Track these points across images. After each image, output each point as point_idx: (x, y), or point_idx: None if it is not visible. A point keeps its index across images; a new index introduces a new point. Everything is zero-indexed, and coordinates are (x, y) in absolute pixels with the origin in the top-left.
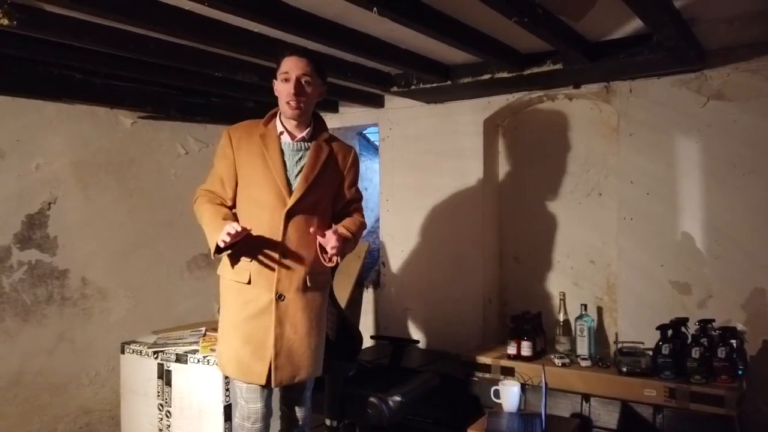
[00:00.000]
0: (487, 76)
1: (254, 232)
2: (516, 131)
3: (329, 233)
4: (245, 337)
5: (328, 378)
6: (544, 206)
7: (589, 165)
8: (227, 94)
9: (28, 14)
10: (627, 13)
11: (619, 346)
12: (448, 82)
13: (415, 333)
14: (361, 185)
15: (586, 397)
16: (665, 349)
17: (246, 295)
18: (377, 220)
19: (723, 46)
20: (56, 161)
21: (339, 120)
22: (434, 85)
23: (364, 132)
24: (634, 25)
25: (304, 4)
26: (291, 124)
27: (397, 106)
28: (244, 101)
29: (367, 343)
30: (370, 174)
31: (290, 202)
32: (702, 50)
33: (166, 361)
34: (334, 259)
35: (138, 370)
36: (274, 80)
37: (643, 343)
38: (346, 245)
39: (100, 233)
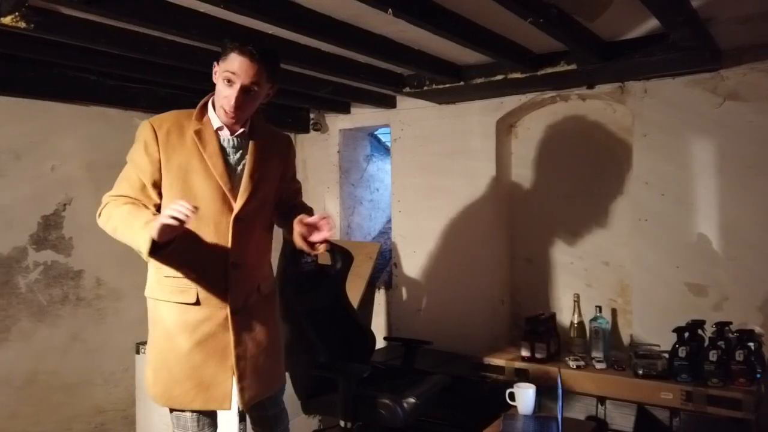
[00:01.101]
0: (499, 77)
1: (196, 243)
2: (528, 132)
3: (315, 219)
4: (195, 364)
5: (342, 379)
6: (556, 207)
7: (602, 166)
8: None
9: (44, 17)
10: (642, 13)
11: (635, 348)
12: (461, 83)
13: (427, 334)
14: (372, 186)
15: (602, 400)
16: (682, 352)
17: (194, 317)
18: (388, 221)
19: (739, 46)
20: (71, 162)
21: (350, 121)
22: (446, 85)
23: (375, 133)
24: (650, 24)
25: (318, 5)
26: (228, 121)
27: (408, 106)
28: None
29: (380, 344)
30: (381, 175)
31: (237, 206)
32: (718, 50)
33: None
34: (321, 247)
35: None
36: (216, 64)
37: (658, 346)
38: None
39: None
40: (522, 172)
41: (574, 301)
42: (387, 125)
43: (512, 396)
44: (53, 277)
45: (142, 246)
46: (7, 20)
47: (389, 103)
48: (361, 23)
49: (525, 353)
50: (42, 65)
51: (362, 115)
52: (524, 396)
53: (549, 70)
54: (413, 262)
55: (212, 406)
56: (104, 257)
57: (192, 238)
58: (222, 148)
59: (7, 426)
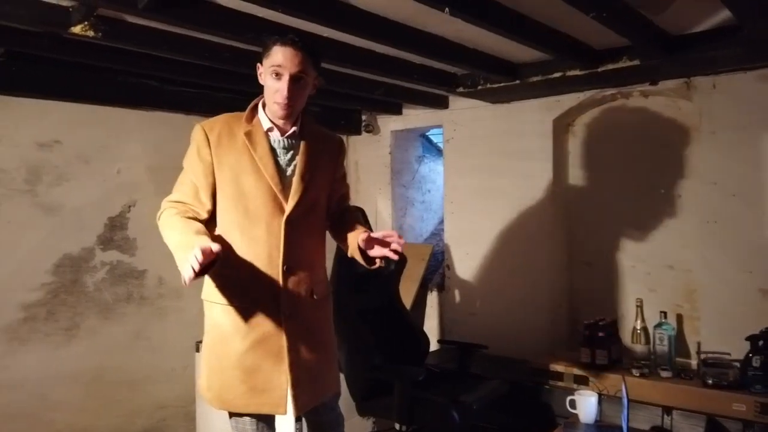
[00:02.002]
0: (557, 74)
1: (248, 246)
2: (587, 131)
3: (386, 233)
4: (250, 367)
5: (397, 382)
6: (617, 209)
7: (666, 165)
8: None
9: (110, 26)
10: (712, 5)
11: (703, 356)
12: (516, 81)
13: (480, 337)
14: (423, 187)
15: (668, 410)
16: (756, 361)
17: (246, 321)
18: (440, 223)
19: None
20: (135, 166)
21: (402, 122)
22: (501, 84)
23: (426, 134)
24: (720, 17)
25: (374, 7)
26: (279, 120)
27: (461, 106)
28: (309, 105)
29: (433, 346)
30: (433, 176)
31: (288, 207)
32: None
33: None
34: (379, 262)
35: None
36: (259, 65)
37: (729, 354)
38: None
39: None
40: (580, 172)
41: (637, 306)
42: (439, 126)
43: (573, 403)
44: (118, 277)
45: (182, 273)
46: (77, 29)
47: (442, 104)
48: (417, 23)
49: (585, 359)
50: (108, 72)
51: (414, 116)
52: (586, 404)
53: (610, 67)
54: (466, 264)
55: (266, 410)
56: (166, 257)
57: (244, 240)
58: (272, 150)
59: (76, 420)
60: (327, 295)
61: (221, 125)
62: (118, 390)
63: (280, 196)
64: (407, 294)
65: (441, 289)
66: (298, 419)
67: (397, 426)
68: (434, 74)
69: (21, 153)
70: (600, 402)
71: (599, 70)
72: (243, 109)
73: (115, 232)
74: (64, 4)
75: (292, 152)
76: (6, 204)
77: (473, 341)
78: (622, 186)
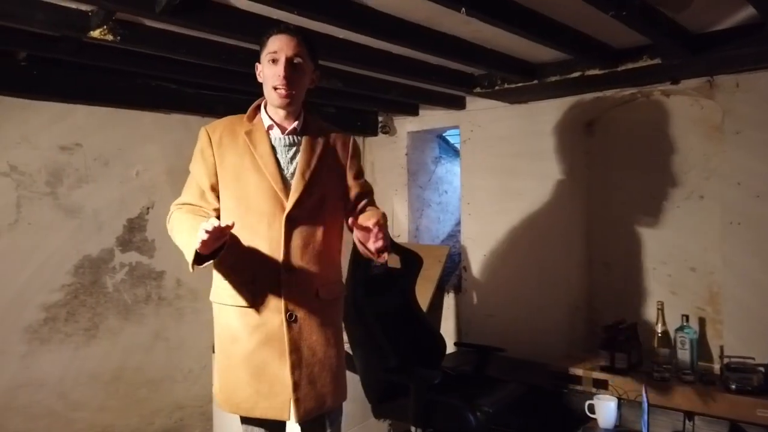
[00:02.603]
0: (576, 74)
1: (251, 244)
2: (606, 131)
3: (367, 224)
4: (256, 368)
5: (413, 384)
6: (637, 210)
7: (688, 166)
8: (310, 101)
9: (129, 30)
10: (735, 2)
11: (726, 360)
12: (535, 81)
13: (498, 340)
14: (440, 188)
15: (689, 415)
16: None
17: (250, 321)
18: (457, 224)
19: None
20: (153, 168)
21: (419, 123)
22: (519, 84)
23: (443, 134)
24: (743, 14)
25: (390, 8)
26: (280, 115)
27: (478, 107)
28: (326, 107)
29: (449, 349)
30: (450, 177)
31: (288, 205)
32: None
33: None
34: (384, 255)
35: None
36: (257, 64)
37: (753, 359)
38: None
39: None
40: (599, 173)
41: (658, 309)
42: (456, 127)
43: (592, 408)
44: (137, 278)
45: (188, 258)
46: (96, 33)
47: (458, 104)
48: (434, 24)
49: (604, 363)
50: (127, 75)
51: (431, 117)
52: (606, 409)
53: (630, 66)
54: (483, 265)
55: (271, 415)
56: (183, 259)
57: (246, 238)
58: (273, 148)
59: (97, 419)
60: (335, 298)
61: (223, 126)
62: (137, 390)
63: (281, 194)
64: (424, 296)
65: (458, 290)
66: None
67: (413, 429)
68: (451, 75)
69: (42, 155)
70: (619, 407)
71: (619, 69)
72: None
73: (134, 233)
74: (84, 8)
75: (294, 149)
76: (28, 206)
77: (490, 344)
78: (643, 186)
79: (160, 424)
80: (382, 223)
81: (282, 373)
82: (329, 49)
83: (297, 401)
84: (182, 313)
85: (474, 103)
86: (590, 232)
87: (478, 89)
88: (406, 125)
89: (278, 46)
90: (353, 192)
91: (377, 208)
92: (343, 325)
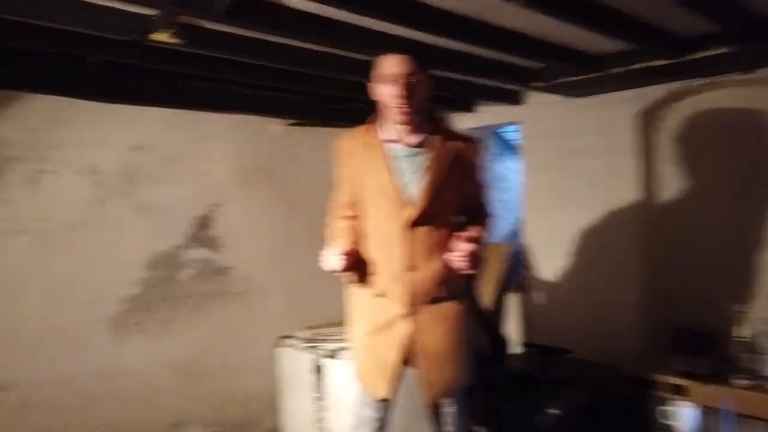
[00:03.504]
0: (640, 65)
1: (378, 243)
2: (676, 124)
3: (458, 245)
4: (377, 350)
5: (476, 385)
6: (714, 207)
7: (766, 160)
8: (369, 99)
9: (192, 33)
10: None
11: None
12: (596, 74)
13: (563, 341)
14: (500, 186)
15: None
16: None
17: (378, 308)
18: (517, 221)
19: None
20: (220, 167)
21: (475, 120)
22: (580, 77)
23: (501, 131)
24: None
25: (445, 3)
26: (400, 129)
27: (537, 102)
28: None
29: (514, 349)
30: (509, 174)
31: (409, 211)
32: None
33: (320, 356)
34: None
35: (294, 364)
36: (373, 86)
37: None
38: (476, 253)
39: (258, 233)
40: (669, 169)
41: (741, 312)
42: (514, 123)
43: (669, 415)
44: (208, 273)
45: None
46: (161, 37)
47: (515, 100)
48: (488, 18)
49: (682, 368)
50: (192, 78)
51: (488, 114)
52: (686, 416)
53: (699, 55)
54: (548, 264)
55: (383, 394)
56: (250, 255)
57: (376, 238)
58: (394, 158)
59: (176, 406)
60: (459, 295)
61: (349, 138)
62: (210, 381)
63: (402, 201)
64: (486, 296)
65: (522, 290)
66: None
67: (476, 429)
68: (507, 69)
69: (118, 156)
70: (696, 414)
71: (687, 59)
72: (317, 112)
73: (202, 230)
74: (149, 13)
75: (416, 159)
76: (106, 204)
77: (554, 344)
78: (718, 182)
79: (231, 415)
80: (470, 250)
81: (396, 359)
82: (383, 45)
83: (425, 384)
84: (251, 308)
85: (532, 98)
86: (666, 231)
87: (536, 83)
88: (463, 122)
89: (391, 67)
90: (472, 195)
91: (483, 225)
92: (465, 322)
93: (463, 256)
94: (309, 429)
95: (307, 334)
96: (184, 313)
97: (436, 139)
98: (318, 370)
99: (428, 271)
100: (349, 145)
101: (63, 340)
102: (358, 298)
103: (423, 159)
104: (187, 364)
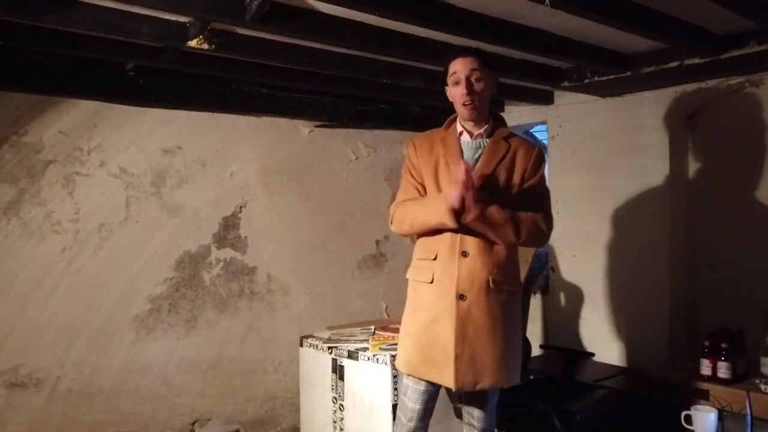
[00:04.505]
0: (674, 64)
1: (439, 233)
2: (710, 124)
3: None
4: (428, 338)
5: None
6: (746, 209)
7: None
8: (394, 100)
9: (223, 38)
10: None
11: None
12: (628, 73)
13: (587, 344)
14: None
15: None
16: None
17: (429, 296)
18: None
19: None
20: (246, 169)
21: (505, 119)
22: (611, 77)
23: (530, 131)
24: None
25: (472, 4)
26: (469, 124)
27: (567, 101)
28: (410, 106)
29: (535, 351)
30: None
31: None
32: None
33: (339, 356)
34: (468, 215)
35: (315, 363)
36: (446, 87)
37: None
38: (486, 201)
39: (282, 234)
40: (702, 168)
41: (767, 315)
42: (544, 122)
43: (689, 419)
44: (231, 273)
45: (445, 217)
46: (193, 43)
47: (546, 99)
48: (517, 18)
49: (705, 372)
50: (223, 82)
51: (517, 113)
52: (704, 420)
53: (735, 53)
54: (573, 266)
55: (435, 379)
56: (274, 255)
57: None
58: (462, 150)
59: (198, 404)
60: (510, 289)
61: (425, 136)
62: (232, 379)
63: None
64: None
65: (545, 292)
66: (458, 395)
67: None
68: (537, 69)
69: (148, 158)
70: (721, 419)
71: (722, 57)
72: (347, 114)
73: (228, 231)
74: (182, 20)
75: (480, 151)
76: (136, 205)
77: (578, 347)
78: (751, 183)
79: (252, 413)
80: (470, 184)
81: (448, 345)
82: (410, 47)
83: (456, 372)
84: (273, 307)
85: (562, 98)
86: (693, 232)
87: (566, 83)
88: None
89: (457, 68)
90: (523, 197)
91: (540, 213)
92: (519, 316)
93: (463, 186)
94: (328, 428)
95: (327, 334)
96: (208, 313)
97: (498, 136)
98: (337, 370)
99: (481, 260)
100: (422, 142)
101: (90, 337)
102: (415, 287)
103: (481, 150)
104: (210, 363)
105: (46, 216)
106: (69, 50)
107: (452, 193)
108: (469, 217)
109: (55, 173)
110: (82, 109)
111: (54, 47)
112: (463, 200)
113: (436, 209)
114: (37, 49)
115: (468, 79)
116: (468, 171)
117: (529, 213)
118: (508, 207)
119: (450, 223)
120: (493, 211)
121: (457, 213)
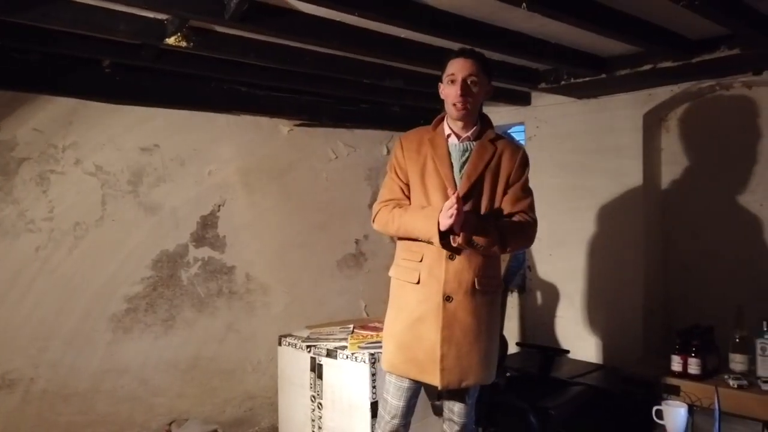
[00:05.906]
0: (648, 67)
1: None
2: (682, 126)
3: (464, 210)
4: (413, 337)
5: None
6: (717, 208)
7: None
8: (375, 100)
9: (202, 36)
10: None
11: None
12: (603, 76)
13: (563, 341)
14: None
15: None
16: None
17: (415, 296)
18: None
19: None
20: (225, 168)
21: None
22: (587, 79)
23: (508, 132)
24: None
25: (451, 6)
26: (457, 126)
27: (544, 103)
28: (390, 106)
29: (512, 349)
30: None
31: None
32: None
33: (318, 355)
34: (457, 238)
35: (293, 362)
36: (440, 84)
37: None
38: (473, 227)
39: (262, 233)
40: (675, 170)
41: (737, 313)
42: (521, 123)
43: (660, 414)
44: (210, 272)
45: (432, 236)
46: (171, 41)
47: (523, 100)
48: (495, 20)
49: (676, 368)
50: (201, 80)
51: (494, 114)
52: (674, 415)
53: (706, 57)
54: (549, 265)
55: (419, 378)
56: (253, 254)
57: None
58: (449, 153)
59: (176, 404)
60: (493, 290)
61: (413, 135)
62: (210, 379)
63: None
64: None
65: (522, 290)
66: (440, 393)
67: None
68: (515, 70)
69: (125, 156)
70: (691, 413)
71: (694, 61)
72: (326, 112)
73: (206, 230)
74: (160, 17)
75: (467, 155)
76: (112, 204)
77: (554, 345)
78: (722, 184)
79: (231, 413)
80: (460, 209)
81: (434, 345)
82: (390, 48)
83: (442, 371)
84: (253, 307)
85: (540, 99)
86: (666, 232)
87: (543, 85)
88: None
89: (455, 68)
90: (508, 200)
91: (526, 215)
92: (499, 315)
93: (451, 209)
94: (306, 427)
95: (306, 333)
96: (186, 312)
97: (485, 139)
98: (315, 368)
99: (467, 262)
100: (410, 142)
101: (66, 337)
102: (399, 286)
103: (471, 153)
104: (188, 363)
105: (20, 214)
106: (45, 47)
107: (443, 221)
108: (456, 243)
109: (29, 171)
110: (58, 106)
111: (30, 44)
112: (452, 227)
113: (426, 227)
114: (12, 46)
115: (464, 81)
116: (459, 200)
117: (515, 221)
118: (492, 221)
119: (438, 245)
120: (480, 239)
121: (444, 233)
